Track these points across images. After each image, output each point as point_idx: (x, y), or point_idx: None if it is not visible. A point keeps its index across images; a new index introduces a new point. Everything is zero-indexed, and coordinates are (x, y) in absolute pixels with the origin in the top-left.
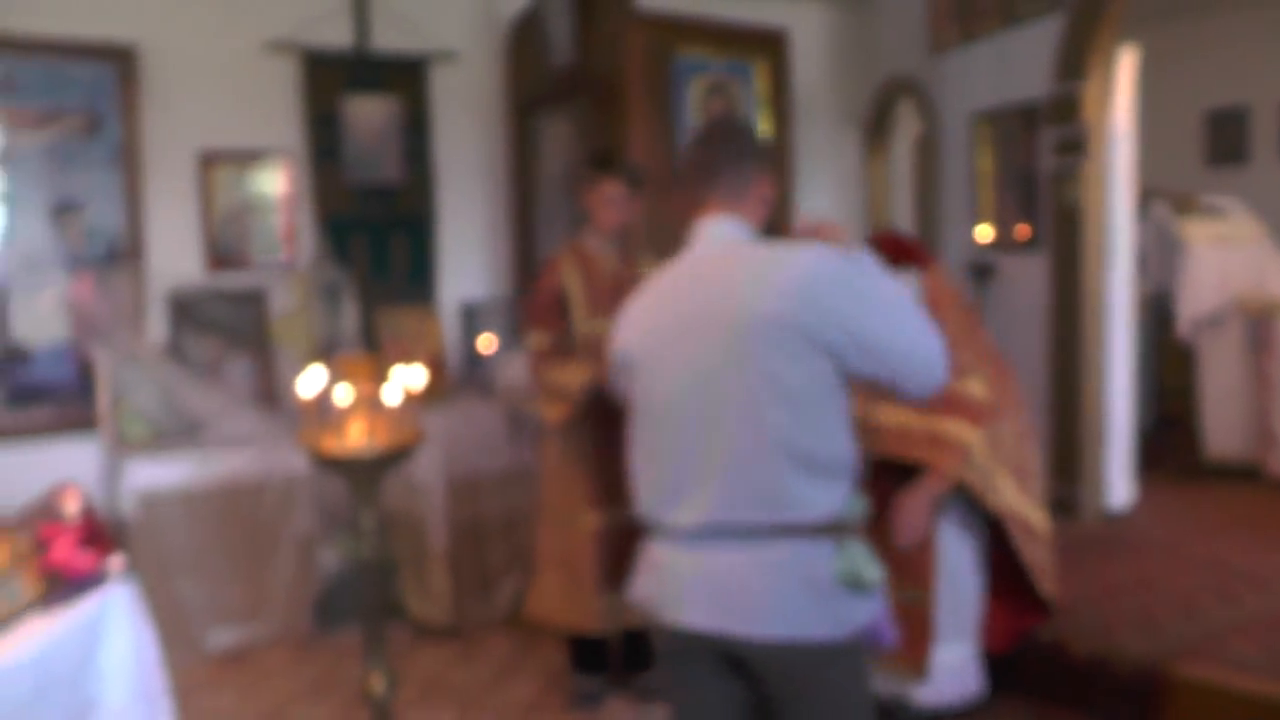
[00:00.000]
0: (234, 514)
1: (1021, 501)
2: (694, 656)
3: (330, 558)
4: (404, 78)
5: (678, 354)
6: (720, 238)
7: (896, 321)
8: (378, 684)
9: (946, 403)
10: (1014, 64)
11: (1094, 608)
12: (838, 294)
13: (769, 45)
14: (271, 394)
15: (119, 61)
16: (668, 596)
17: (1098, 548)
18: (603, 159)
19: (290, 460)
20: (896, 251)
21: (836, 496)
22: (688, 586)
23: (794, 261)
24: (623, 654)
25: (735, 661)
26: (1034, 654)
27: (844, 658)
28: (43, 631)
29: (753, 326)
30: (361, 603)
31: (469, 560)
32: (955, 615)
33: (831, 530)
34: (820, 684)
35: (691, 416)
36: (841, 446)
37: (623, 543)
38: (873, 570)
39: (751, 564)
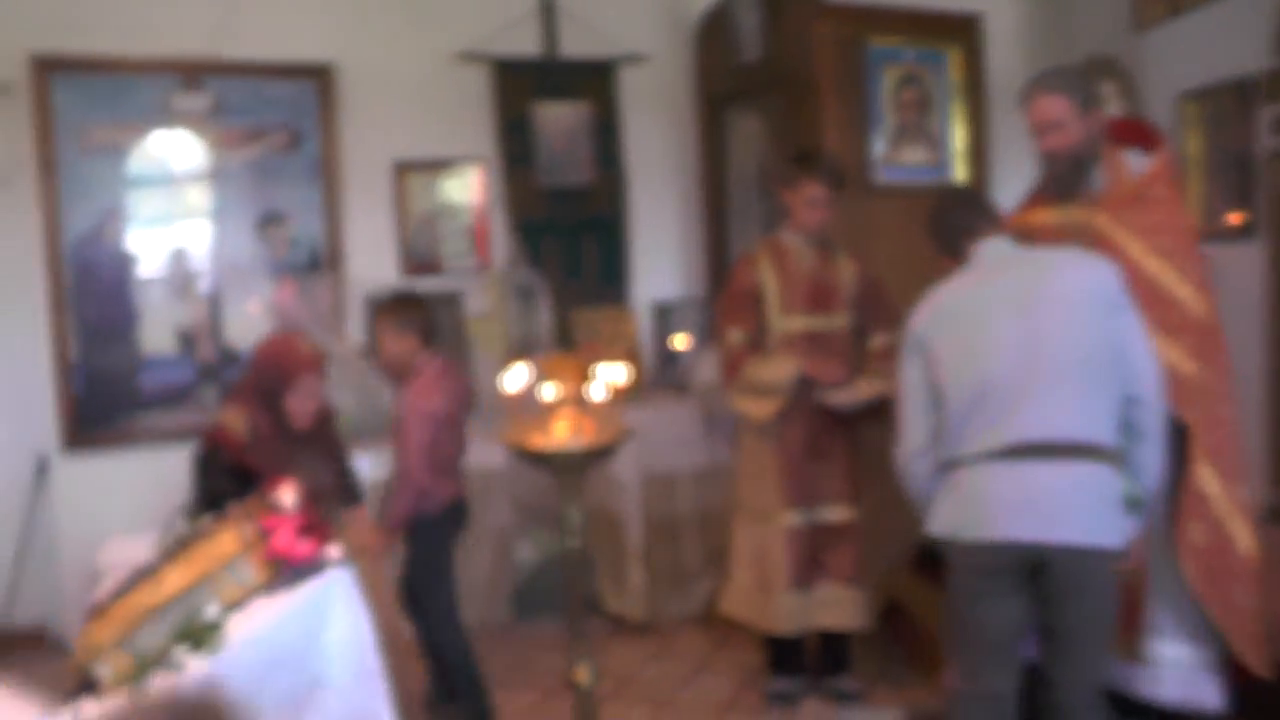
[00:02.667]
0: None
1: (1228, 507)
2: (1000, 566)
3: (527, 550)
4: (593, 81)
5: (1006, 322)
6: (1007, 248)
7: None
8: (583, 676)
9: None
10: (1227, 37)
11: None
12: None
13: (962, 31)
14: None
15: (317, 80)
16: (978, 517)
17: None
18: (804, 158)
19: (487, 455)
20: (1130, 133)
21: (1116, 429)
22: (1004, 503)
23: (1090, 260)
24: (820, 656)
25: (1035, 567)
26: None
27: (1115, 563)
28: (271, 613)
29: (1077, 298)
30: (558, 595)
31: (664, 557)
32: (1177, 609)
33: (1114, 458)
34: (1101, 583)
35: (1017, 362)
36: (1121, 391)
37: (815, 543)
38: (1141, 494)
39: (1063, 481)
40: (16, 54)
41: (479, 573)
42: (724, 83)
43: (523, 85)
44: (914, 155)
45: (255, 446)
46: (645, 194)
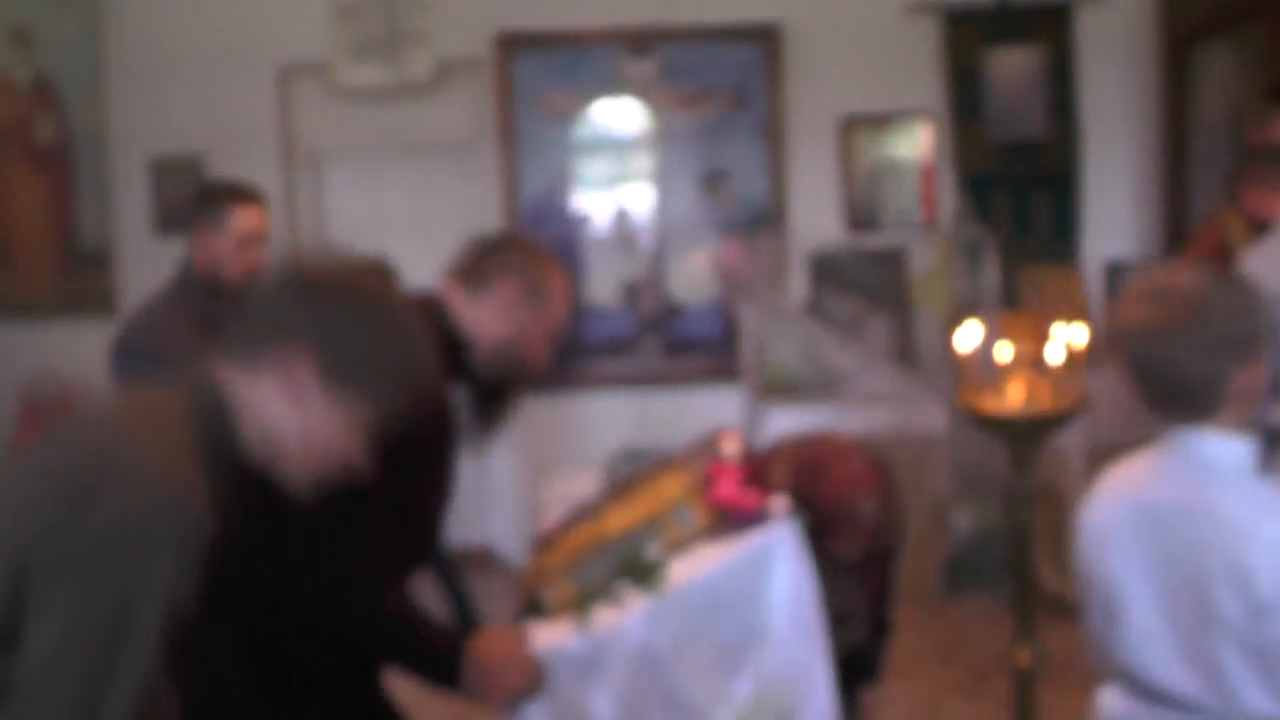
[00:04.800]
0: None
1: None
2: None
3: (964, 520)
4: (1048, 26)
5: None
6: None
7: None
8: (1024, 659)
9: None
10: None
11: None
12: None
13: None
14: (910, 352)
15: (764, 40)
16: None
17: None
18: None
19: (928, 418)
20: None
21: None
22: None
23: None
24: None
25: None
26: None
27: None
28: (713, 560)
29: None
30: (993, 570)
31: None
32: None
33: None
34: None
35: None
36: None
37: None
38: None
39: None
40: (482, 33)
41: (911, 541)
42: (1193, 16)
43: (974, 34)
44: None
45: None
46: (1101, 145)
